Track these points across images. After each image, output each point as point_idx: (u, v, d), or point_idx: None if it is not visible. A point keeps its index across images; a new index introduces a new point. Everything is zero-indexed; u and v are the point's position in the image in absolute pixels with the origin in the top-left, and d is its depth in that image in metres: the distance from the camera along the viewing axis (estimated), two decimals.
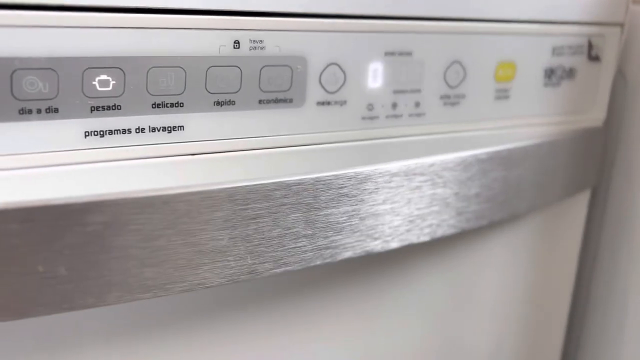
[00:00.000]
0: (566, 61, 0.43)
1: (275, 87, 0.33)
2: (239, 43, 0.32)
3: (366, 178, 0.32)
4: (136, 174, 0.31)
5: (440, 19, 0.37)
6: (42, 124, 0.28)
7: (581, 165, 0.45)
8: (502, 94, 0.41)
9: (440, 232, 0.36)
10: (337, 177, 0.31)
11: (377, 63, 0.36)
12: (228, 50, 0.31)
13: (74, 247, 0.26)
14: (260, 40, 0.32)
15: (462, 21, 0.38)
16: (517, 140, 0.41)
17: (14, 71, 0.27)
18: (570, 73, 0.44)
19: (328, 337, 0.41)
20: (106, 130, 0.30)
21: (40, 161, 0.29)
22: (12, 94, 0.27)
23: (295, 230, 0.31)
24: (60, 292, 0.26)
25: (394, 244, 0.34)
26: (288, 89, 0.34)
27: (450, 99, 0.39)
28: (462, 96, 0.40)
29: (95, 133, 0.29)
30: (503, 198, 0.39)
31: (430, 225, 0.36)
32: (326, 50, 0.34)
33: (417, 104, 0.38)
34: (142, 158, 0.31)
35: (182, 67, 0.31)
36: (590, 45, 0.44)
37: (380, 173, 0.33)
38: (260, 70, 0.33)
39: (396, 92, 0.37)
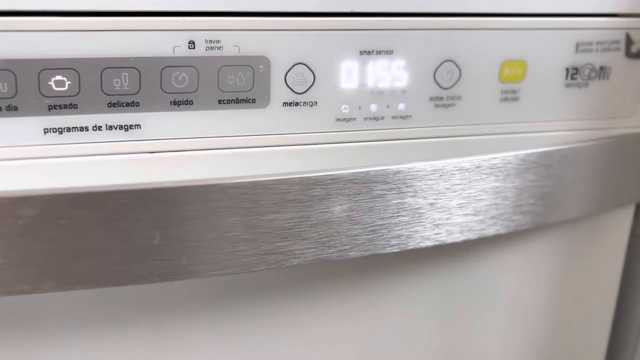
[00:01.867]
0: (595, 59, 0.38)
1: (235, 87, 0.33)
2: (194, 43, 0.32)
3: (314, 184, 0.31)
4: (95, 170, 0.32)
5: (425, 15, 0.34)
6: (3, 121, 0.31)
7: (619, 177, 0.40)
8: (510, 96, 0.37)
9: (412, 244, 0.34)
10: (280, 181, 0.30)
11: (350, 62, 0.34)
12: (183, 50, 0.32)
13: (8, 237, 0.28)
14: (217, 40, 0.32)
15: (452, 16, 0.35)
16: (531, 148, 0.37)
17: None
18: (601, 72, 0.38)
19: (330, 339, 0.40)
20: (64, 128, 0.31)
21: (2, 155, 0.31)
22: None
23: (233, 234, 0.30)
24: None
25: (354, 254, 0.33)
26: (250, 89, 0.33)
27: (443, 101, 0.36)
28: (458, 98, 0.36)
29: (54, 130, 0.31)
30: (497, 211, 0.36)
31: (398, 237, 0.34)
32: (291, 49, 0.33)
33: (402, 106, 0.36)
34: (100, 155, 0.32)
35: (136, 68, 0.31)
36: (629, 40, 0.38)
37: (331, 179, 0.31)
38: (219, 71, 0.32)
39: (375, 93, 0.35)
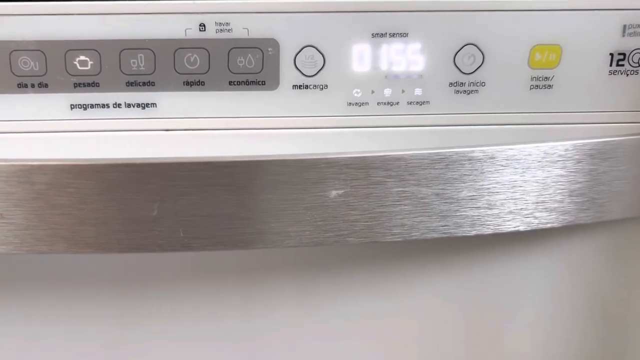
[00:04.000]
0: None
1: (245, 69, 0.34)
2: (204, 26, 0.33)
3: (308, 166, 0.31)
4: (115, 145, 0.35)
5: None
6: (35, 97, 0.34)
7: None
8: (541, 83, 0.35)
9: (416, 235, 0.33)
10: (272, 162, 0.31)
11: (362, 45, 0.33)
12: (194, 33, 0.33)
13: (25, 201, 0.31)
14: (227, 23, 0.33)
15: None
16: (564, 140, 0.34)
17: (11, 52, 0.33)
18: None
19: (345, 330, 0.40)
20: (88, 104, 0.34)
21: (34, 127, 0.34)
22: (11, 71, 0.33)
23: (228, 211, 0.31)
24: (20, 237, 0.32)
25: (352, 239, 0.33)
26: (260, 72, 0.34)
27: (464, 87, 0.35)
28: (481, 84, 0.35)
29: (79, 106, 0.34)
30: (516, 207, 0.33)
31: (401, 225, 0.33)
32: (300, 31, 0.33)
33: (418, 91, 0.35)
34: (120, 130, 0.35)
35: (151, 49, 0.33)
36: None
37: (326, 163, 0.31)
38: (229, 53, 0.33)
39: (389, 77, 0.34)
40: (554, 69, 0.34)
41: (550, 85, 0.35)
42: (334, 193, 0.32)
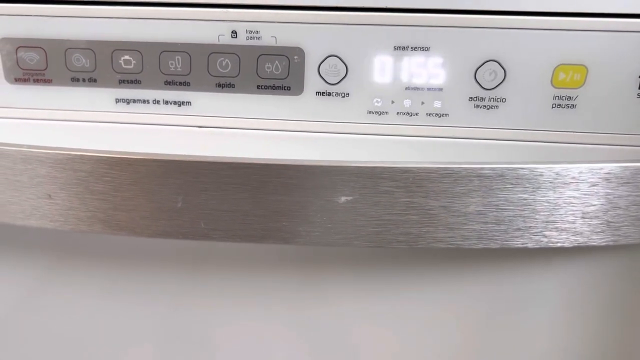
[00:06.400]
0: None
1: (272, 75, 0.36)
2: (236, 33, 0.35)
3: (320, 173, 0.33)
4: (153, 137, 0.38)
5: (464, 12, 0.33)
6: (86, 90, 0.38)
7: None
8: (564, 102, 0.34)
9: (422, 244, 0.34)
10: (286, 167, 0.33)
11: (384, 57, 0.35)
12: (226, 39, 0.35)
13: (70, 185, 0.35)
14: (257, 31, 0.35)
15: (496, 14, 0.33)
16: (579, 162, 0.34)
17: (66, 50, 0.37)
18: None
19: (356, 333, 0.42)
20: (131, 99, 0.38)
21: (85, 117, 0.38)
22: (66, 66, 0.37)
23: (244, 208, 0.34)
24: (64, 216, 0.36)
25: (359, 243, 0.34)
26: (285, 78, 0.36)
27: (484, 102, 0.35)
28: (502, 100, 0.35)
29: (123, 100, 0.38)
30: (525, 224, 0.34)
31: (406, 233, 0.34)
32: (325, 42, 0.35)
33: (438, 104, 0.35)
34: (158, 124, 0.38)
35: (187, 52, 0.36)
36: None
37: (337, 171, 0.33)
38: (257, 59, 0.36)
39: (409, 88, 0.35)
40: (579, 89, 0.34)
41: (573, 105, 0.34)
42: (343, 199, 0.33)
